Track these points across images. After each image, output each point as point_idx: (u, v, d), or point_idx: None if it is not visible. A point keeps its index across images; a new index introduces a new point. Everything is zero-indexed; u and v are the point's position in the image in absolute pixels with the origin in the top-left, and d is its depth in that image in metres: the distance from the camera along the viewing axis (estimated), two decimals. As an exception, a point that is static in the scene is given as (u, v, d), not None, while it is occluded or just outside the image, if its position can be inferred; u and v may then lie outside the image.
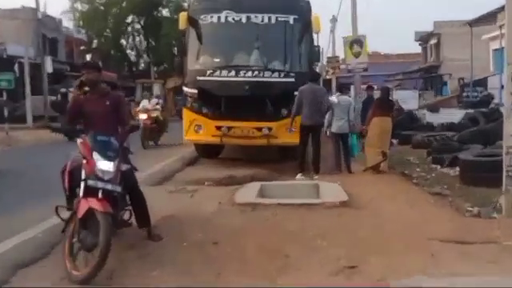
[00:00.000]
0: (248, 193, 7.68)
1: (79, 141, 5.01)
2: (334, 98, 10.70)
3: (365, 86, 17.88)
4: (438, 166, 11.20)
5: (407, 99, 20.61)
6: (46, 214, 6.07)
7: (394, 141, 15.23)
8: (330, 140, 11.26)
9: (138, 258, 5.08)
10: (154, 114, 16.30)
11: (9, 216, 7.00)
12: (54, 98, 26.54)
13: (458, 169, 10.02)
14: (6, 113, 21.51)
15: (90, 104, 5.30)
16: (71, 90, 18.36)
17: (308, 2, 12.26)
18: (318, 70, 21.79)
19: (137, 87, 37.07)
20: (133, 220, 5.55)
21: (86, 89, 5.34)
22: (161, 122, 16.63)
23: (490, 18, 20.87)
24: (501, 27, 19.43)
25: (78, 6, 45.32)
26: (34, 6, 28.52)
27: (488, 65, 32.28)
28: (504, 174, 6.53)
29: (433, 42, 45.82)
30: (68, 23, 44.99)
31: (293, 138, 10.84)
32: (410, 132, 16.46)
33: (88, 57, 43.10)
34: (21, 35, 29.33)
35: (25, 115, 26.29)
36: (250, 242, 5.50)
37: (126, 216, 5.48)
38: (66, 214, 5.03)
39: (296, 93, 10.46)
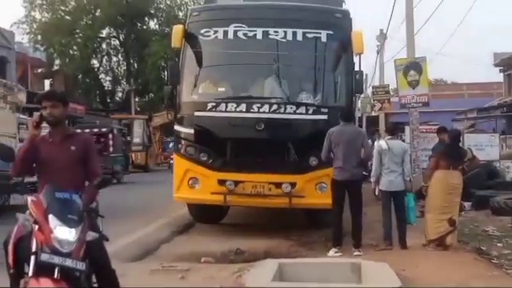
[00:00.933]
0: (261, 274, 7.60)
1: (30, 199, 5.01)
2: (383, 144, 10.67)
3: (431, 128, 17.96)
4: (529, 241, 11.08)
5: (484, 146, 20.51)
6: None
7: (466, 204, 15.12)
8: (378, 201, 11.21)
9: None
10: None
11: None
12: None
13: (556, 245, 9.91)
14: None
15: (48, 148, 5.34)
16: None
17: (347, 13, 12.48)
18: (358, 105, 21.94)
19: (112, 125, 37.54)
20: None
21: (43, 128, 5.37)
22: None
23: None
24: None
25: (36, 14, 46.48)
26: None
27: None
28: None
29: (519, 67, 46.07)
30: (22, 37, 45.98)
31: (326, 198, 10.80)
32: (488, 192, 16.36)
33: (47, 83, 43.75)
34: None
35: (-42, 161, 26.59)
36: None
37: (92, 304, 5.44)
38: (8, 301, 5.02)
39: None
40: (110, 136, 29.66)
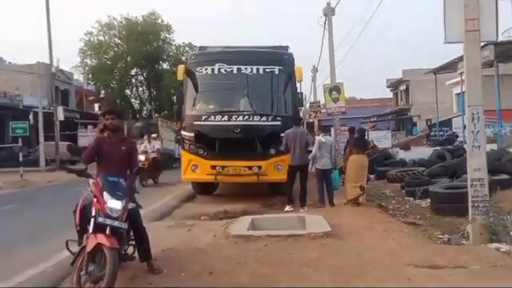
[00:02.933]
0: (240, 226, 7.59)
1: (91, 181, 4.96)
2: (321, 138, 10.66)
3: (346, 128, 18.06)
4: (411, 198, 11.22)
5: (381, 139, 20.71)
6: (57, 248, 5.95)
7: (371, 176, 15.26)
8: (314, 176, 11.22)
9: (141, 289, 4.97)
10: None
11: (23, 249, 6.89)
12: (66, 143, 26.90)
13: (428, 200, 10.04)
14: (20, 157, 21.51)
15: (108, 147, 5.27)
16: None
17: (291, 55, 12.54)
18: (301, 114, 21.97)
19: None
20: (136, 254, 5.45)
21: (105, 134, 5.31)
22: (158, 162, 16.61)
23: (451, 66, 21.30)
24: (461, 74, 19.83)
25: (88, 61, 45.83)
26: (48, 61, 28.75)
27: (452, 107, 32.81)
28: (470, 204, 6.56)
29: (402, 87, 46.60)
30: (78, 76, 45.47)
31: (280, 175, 10.85)
32: (385, 168, 16.54)
33: (96, 106, 43.32)
34: (36, 88, 29.49)
35: (38, 159, 26.16)
36: (243, 270, 5.42)
37: (130, 250, 5.38)
38: (75, 248, 4.94)
39: (282, 134, 10.54)
40: None
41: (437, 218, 8.76)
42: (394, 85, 48.71)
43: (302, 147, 10.08)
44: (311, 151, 10.52)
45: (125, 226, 4.81)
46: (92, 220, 4.69)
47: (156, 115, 47.61)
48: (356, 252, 6.06)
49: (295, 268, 5.45)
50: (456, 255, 5.80)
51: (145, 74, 48.71)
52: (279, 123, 11.32)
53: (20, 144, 22.40)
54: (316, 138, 10.74)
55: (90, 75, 45.50)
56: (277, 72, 11.92)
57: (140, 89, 50.55)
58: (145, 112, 51.84)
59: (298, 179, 10.35)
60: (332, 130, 17.84)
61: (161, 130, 25.93)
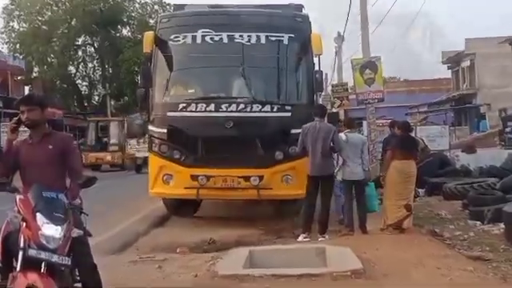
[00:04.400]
0: (233, 261, 7.61)
1: (18, 198, 4.94)
2: (342, 135, 10.62)
3: (383, 122, 18.09)
4: (478, 223, 11.21)
5: (435, 137, 20.72)
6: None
7: (420, 190, 15.26)
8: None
9: None
10: None
11: None
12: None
13: (502, 225, 10.04)
14: None
15: (28, 150, 5.25)
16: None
17: (306, 18, 12.52)
18: (320, 102, 22.05)
19: (89, 127, 37.09)
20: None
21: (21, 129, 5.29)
22: None
23: (534, 33, 21.30)
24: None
25: (15, 24, 45.94)
26: (-43, 25, 28.83)
27: (535, 92, 32.83)
28: (561, 230, 6.57)
29: (465, 64, 46.48)
30: (1, 47, 45.47)
31: (291, 190, 10.87)
32: (439, 179, 16.52)
33: (27, 89, 43.29)
34: None
35: None
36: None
37: (75, 296, 5.39)
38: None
39: (293, 131, 10.55)
40: None
41: (514, 251, 8.78)
42: (454, 60, 48.70)
43: (325, 150, 10.03)
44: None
45: (67, 261, 4.79)
46: (20, 253, 4.68)
47: (112, 102, 47.74)
48: (398, 299, 6.07)
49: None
50: (541, 304, 5.81)
51: (96, 44, 48.94)
52: (289, 114, 11.33)
53: None
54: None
55: (18, 45, 45.63)
56: (286, 41, 11.94)
57: (89, 65, 50.84)
58: (96, 98, 51.99)
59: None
60: (364, 124, 17.90)
61: None
